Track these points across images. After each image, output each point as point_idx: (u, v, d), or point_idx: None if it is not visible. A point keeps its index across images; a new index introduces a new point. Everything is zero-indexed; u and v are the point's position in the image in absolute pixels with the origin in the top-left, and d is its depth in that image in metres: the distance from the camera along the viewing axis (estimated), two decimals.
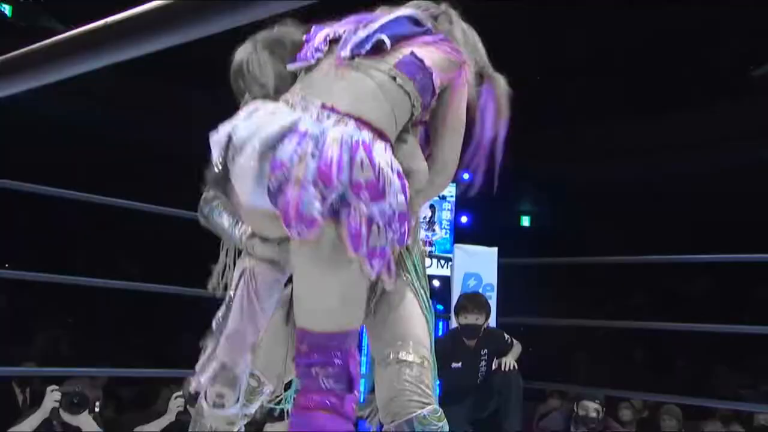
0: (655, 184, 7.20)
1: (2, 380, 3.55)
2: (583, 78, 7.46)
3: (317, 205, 1.17)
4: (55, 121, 6.18)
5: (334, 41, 1.41)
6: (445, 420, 1.53)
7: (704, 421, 4.88)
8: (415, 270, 1.66)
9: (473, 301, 3.79)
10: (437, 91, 1.43)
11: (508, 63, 1.62)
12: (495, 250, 4.24)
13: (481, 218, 7.33)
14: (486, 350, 3.79)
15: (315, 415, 1.24)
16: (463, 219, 7.43)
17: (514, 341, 3.90)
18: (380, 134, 1.28)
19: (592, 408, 4.03)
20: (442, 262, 4.85)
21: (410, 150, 1.42)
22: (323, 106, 1.26)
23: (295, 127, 1.22)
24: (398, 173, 1.26)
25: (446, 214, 6.54)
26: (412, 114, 1.39)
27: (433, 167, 1.48)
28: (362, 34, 1.38)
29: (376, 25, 1.40)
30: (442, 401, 3.83)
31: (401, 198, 1.24)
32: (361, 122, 1.25)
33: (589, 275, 5.11)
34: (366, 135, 1.24)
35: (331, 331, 1.27)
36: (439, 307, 4.63)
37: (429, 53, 1.42)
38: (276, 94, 1.42)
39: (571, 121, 7.02)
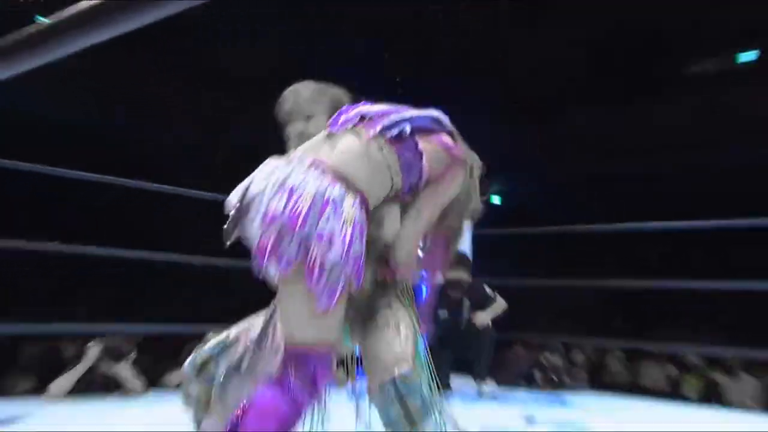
0: (632, 173, 7.06)
1: (53, 337, 3.69)
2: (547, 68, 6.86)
3: (292, 248, 1.26)
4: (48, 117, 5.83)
5: (363, 118, 1.47)
6: (425, 382, 1.47)
7: (643, 362, 5.16)
8: (408, 299, 1.63)
9: (457, 259, 3.92)
10: (425, 176, 1.48)
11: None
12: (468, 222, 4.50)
13: None
14: (468, 302, 3.99)
15: (263, 393, 1.28)
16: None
17: (498, 297, 4.01)
18: (355, 190, 1.34)
19: (554, 359, 4.39)
20: None
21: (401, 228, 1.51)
22: (313, 162, 1.35)
23: (283, 184, 1.31)
24: (359, 225, 1.32)
25: None
26: (392, 186, 1.43)
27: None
28: (394, 118, 1.45)
29: (406, 115, 1.47)
30: (431, 345, 4.12)
31: (357, 246, 1.31)
32: (340, 177, 1.33)
33: (551, 244, 5.35)
34: (338, 190, 1.31)
35: (297, 344, 1.31)
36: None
37: (430, 144, 1.49)
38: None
39: (542, 111, 6.82)
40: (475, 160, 1.64)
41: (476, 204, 1.68)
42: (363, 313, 1.53)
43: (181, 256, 3.70)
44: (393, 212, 1.50)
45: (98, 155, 4.37)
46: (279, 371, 1.30)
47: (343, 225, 1.29)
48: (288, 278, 1.30)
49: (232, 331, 1.66)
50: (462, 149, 1.58)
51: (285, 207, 1.28)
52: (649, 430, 3.01)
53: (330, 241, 1.27)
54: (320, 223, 1.27)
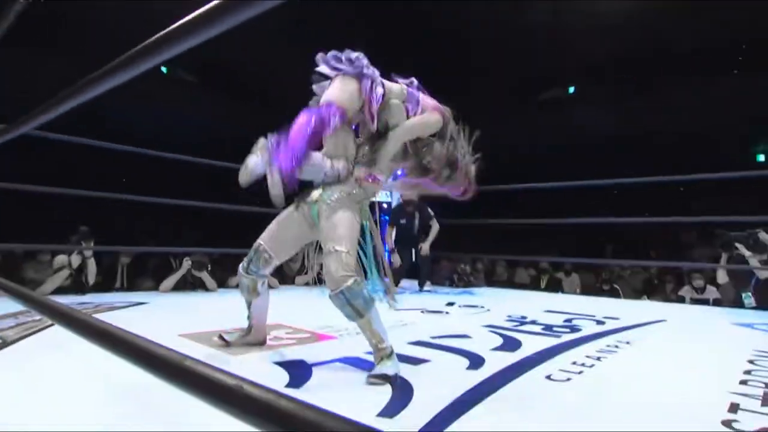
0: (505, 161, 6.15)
1: (164, 255, 3.71)
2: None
3: (347, 67, 1.53)
4: None
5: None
6: (364, 285, 1.37)
7: (516, 268, 5.33)
8: (362, 208, 1.52)
9: None
10: (420, 107, 1.65)
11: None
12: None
13: None
14: (418, 215, 3.98)
15: (304, 114, 1.44)
16: (399, 172, 7.53)
17: (435, 220, 3.90)
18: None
19: (465, 268, 4.41)
20: (387, 193, 5.25)
21: (402, 117, 1.60)
22: (382, 83, 1.59)
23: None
24: (381, 81, 1.57)
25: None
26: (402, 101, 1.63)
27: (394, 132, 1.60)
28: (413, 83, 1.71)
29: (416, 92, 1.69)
30: (396, 244, 3.95)
31: (380, 91, 1.56)
32: (383, 86, 1.57)
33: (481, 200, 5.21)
34: (380, 89, 1.55)
35: (332, 100, 1.47)
36: (386, 217, 5.05)
37: (427, 97, 1.69)
38: None
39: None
40: (455, 128, 1.66)
41: (467, 161, 1.67)
42: (331, 223, 1.46)
43: (240, 207, 3.67)
44: (398, 107, 1.59)
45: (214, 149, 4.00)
46: (315, 107, 1.48)
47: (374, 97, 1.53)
48: (341, 80, 1.52)
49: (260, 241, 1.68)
50: (445, 109, 1.67)
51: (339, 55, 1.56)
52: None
53: (372, 75, 1.54)
54: (369, 68, 1.54)
